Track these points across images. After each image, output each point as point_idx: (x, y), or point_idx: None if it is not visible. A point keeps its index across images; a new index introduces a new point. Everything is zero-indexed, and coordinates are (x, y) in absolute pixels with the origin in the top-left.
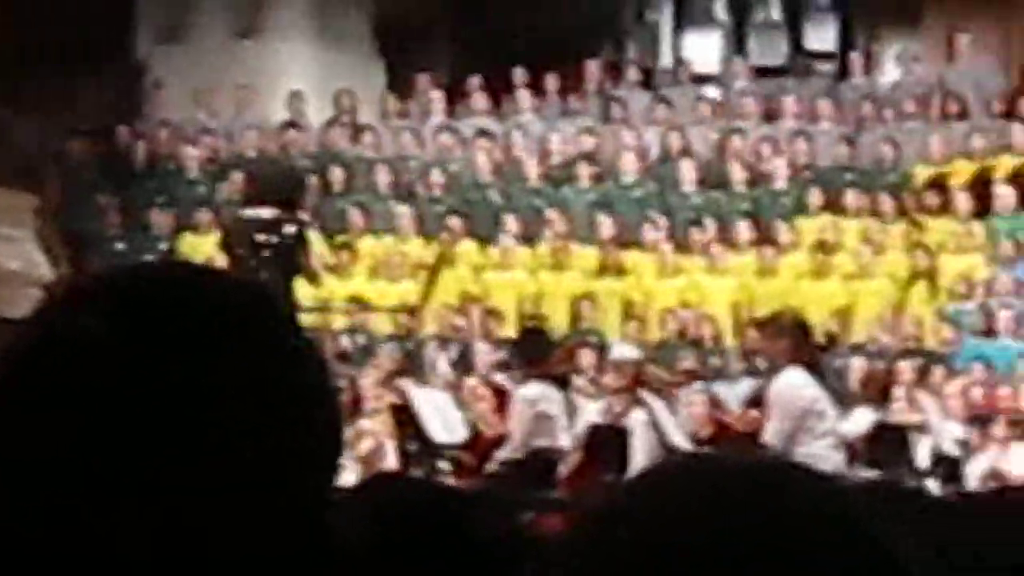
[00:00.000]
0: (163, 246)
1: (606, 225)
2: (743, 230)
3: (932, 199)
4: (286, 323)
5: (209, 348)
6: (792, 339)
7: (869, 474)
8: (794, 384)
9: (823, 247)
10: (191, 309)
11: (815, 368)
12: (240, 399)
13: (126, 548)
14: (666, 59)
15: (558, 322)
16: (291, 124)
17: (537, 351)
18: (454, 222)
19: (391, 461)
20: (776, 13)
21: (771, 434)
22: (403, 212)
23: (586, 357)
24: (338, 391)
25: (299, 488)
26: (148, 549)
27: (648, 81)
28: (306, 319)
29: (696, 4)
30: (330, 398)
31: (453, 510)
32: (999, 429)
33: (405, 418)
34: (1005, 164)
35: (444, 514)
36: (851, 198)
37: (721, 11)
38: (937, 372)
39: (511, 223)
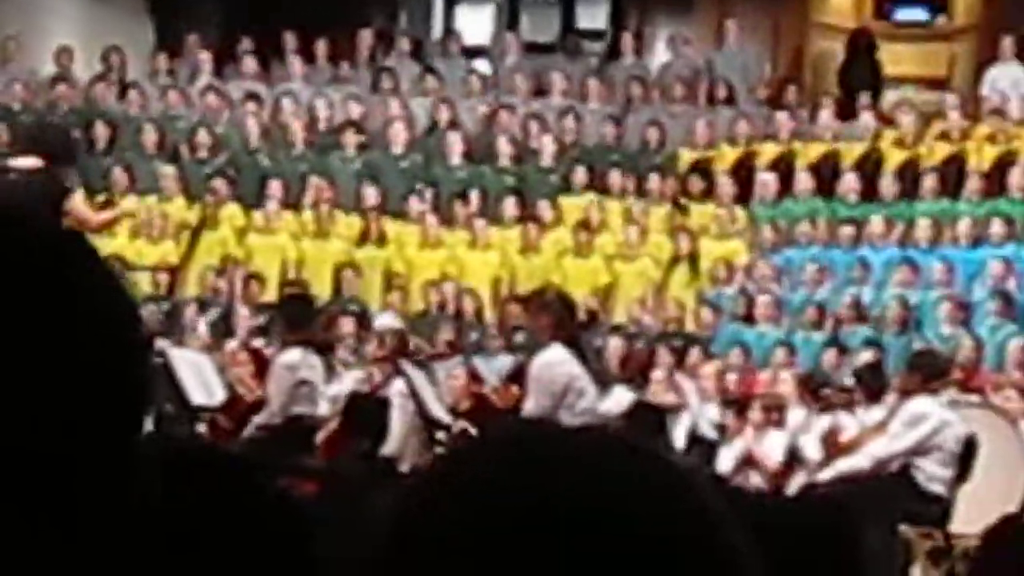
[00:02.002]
0: None
1: (370, 194)
2: (508, 205)
3: (696, 183)
4: (79, 270)
5: None
6: (555, 316)
7: None
8: (555, 361)
9: (586, 226)
10: None
11: (576, 346)
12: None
13: None
14: (438, 31)
15: (320, 289)
16: (59, 79)
17: (298, 317)
18: (219, 184)
19: (147, 422)
20: None
21: (530, 410)
22: (167, 172)
23: (347, 325)
24: (148, 345)
25: (78, 437)
26: None
27: (419, 52)
28: None
29: None
30: (128, 350)
31: (240, 471)
32: (755, 414)
33: (162, 379)
34: (769, 151)
35: (233, 475)
36: (616, 178)
37: None
38: (695, 355)
39: (276, 188)
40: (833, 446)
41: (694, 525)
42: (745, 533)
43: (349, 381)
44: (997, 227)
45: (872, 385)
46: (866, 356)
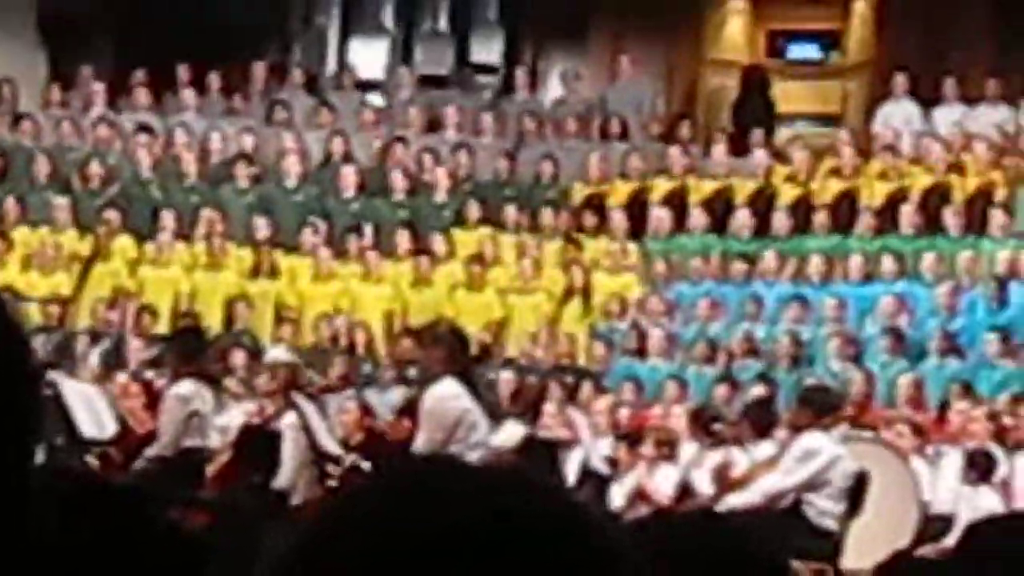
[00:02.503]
0: None
1: (263, 226)
2: (401, 238)
3: (589, 218)
4: None
5: None
6: (447, 349)
7: None
8: (447, 394)
9: (480, 260)
10: None
11: (468, 379)
12: None
13: None
14: (332, 64)
15: (212, 321)
16: None
17: (190, 349)
18: (111, 215)
19: (38, 454)
20: (443, 23)
21: (422, 443)
22: (59, 203)
23: (239, 358)
24: (40, 376)
25: None
26: None
27: (313, 85)
28: None
29: (364, 11)
30: (18, 381)
31: (132, 503)
32: (647, 448)
33: (53, 411)
34: (662, 186)
35: (126, 507)
36: (509, 212)
37: (388, 19)
38: (587, 389)
39: (168, 219)
40: (725, 481)
41: (590, 553)
42: (643, 562)
43: (238, 413)
44: (888, 264)
45: (760, 420)
46: (757, 391)
